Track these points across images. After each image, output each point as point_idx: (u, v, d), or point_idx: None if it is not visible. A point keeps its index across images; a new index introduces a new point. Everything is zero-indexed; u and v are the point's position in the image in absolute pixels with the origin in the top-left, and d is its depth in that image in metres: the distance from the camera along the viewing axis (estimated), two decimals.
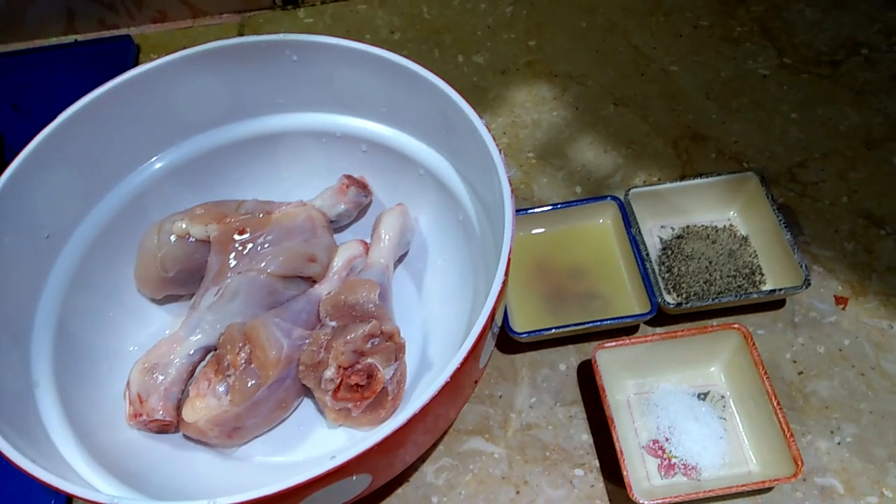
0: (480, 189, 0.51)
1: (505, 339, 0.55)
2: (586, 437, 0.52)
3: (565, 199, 0.64)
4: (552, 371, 0.55)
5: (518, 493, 0.50)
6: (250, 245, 0.52)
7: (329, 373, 0.48)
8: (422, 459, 0.51)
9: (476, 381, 0.47)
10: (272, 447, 0.50)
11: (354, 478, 0.38)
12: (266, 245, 0.52)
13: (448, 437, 0.52)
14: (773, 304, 0.57)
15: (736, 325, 0.51)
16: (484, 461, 0.51)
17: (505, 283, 0.42)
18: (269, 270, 0.51)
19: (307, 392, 0.51)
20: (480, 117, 0.47)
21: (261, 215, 0.53)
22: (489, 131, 0.46)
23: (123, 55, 0.76)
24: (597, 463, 0.51)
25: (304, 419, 0.51)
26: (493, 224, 0.49)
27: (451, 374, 0.37)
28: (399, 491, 0.50)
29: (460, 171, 0.53)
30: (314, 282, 0.54)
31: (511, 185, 0.44)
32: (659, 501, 0.45)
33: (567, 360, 0.56)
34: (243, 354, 0.48)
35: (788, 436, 0.47)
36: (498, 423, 0.53)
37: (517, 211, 0.59)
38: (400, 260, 0.58)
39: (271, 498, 0.34)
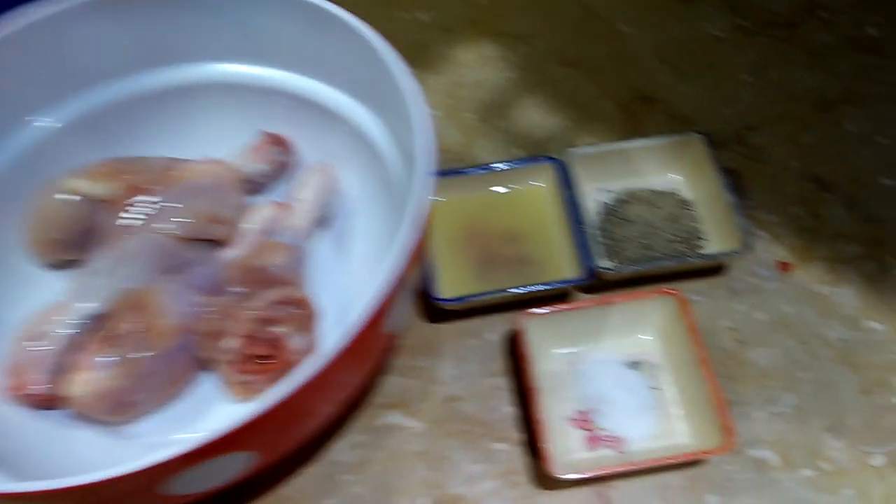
0: (408, 147, 0.48)
1: (430, 307, 0.52)
2: (510, 410, 0.49)
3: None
4: (479, 341, 0.52)
5: (435, 469, 0.47)
6: (150, 204, 0.48)
7: (230, 343, 0.45)
8: (330, 436, 0.48)
9: (388, 351, 0.44)
10: (168, 424, 0.46)
11: (232, 456, 0.35)
12: (167, 204, 0.48)
13: (362, 411, 0.49)
14: (714, 270, 0.54)
15: (669, 291, 0.48)
16: (401, 436, 0.48)
17: (420, 243, 0.39)
18: (169, 232, 0.47)
19: (209, 364, 0.47)
20: (406, 65, 0.44)
21: (163, 173, 0.49)
22: (412, 76, 0.43)
23: None
24: (520, 436, 0.48)
25: (205, 394, 0.48)
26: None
27: (340, 348, 0.34)
28: (304, 470, 0.47)
29: (387, 127, 0.50)
30: (222, 246, 0.50)
31: (433, 131, 0.41)
32: (578, 476, 0.42)
33: (496, 329, 0.53)
34: (134, 323, 0.44)
35: (720, 406, 0.44)
36: (418, 396, 0.50)
37: (450, 172, 0.56)
38: (323, 224, 0.55)
39: (116, 481, 0.30)
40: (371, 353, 0.41)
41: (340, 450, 0.48)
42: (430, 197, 0.39)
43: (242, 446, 0.35)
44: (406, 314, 0.43)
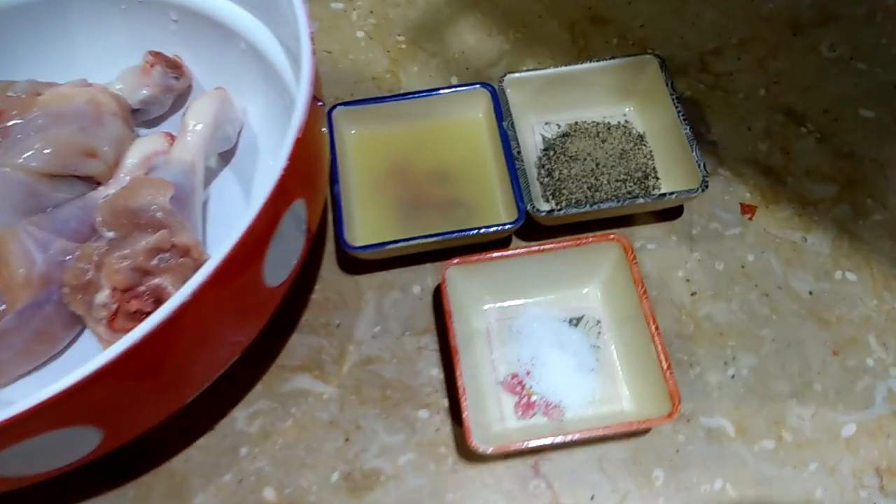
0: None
1: (345, 256, 0.46)
2: (436, 373, 0.43)
3: None
4: (403, 294, 0.46)
5: (348, 440, 0.41)
6: (7, 133, 0.40)
7: (102, 296, 0.38)
8: (229, 403, 0.42)
9: (278, 306, 0.38)
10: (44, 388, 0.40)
11: (63, 432, 0.29)
12: (29, 133, 0.41)
13: (268, 374, 0.43)
14: (670, 214, 0.48)
15: (613, 236, 0.42)
16: (310, 403, 0.42)
17: (300, 177, 0.33)
18: (27, 165, 0.40)
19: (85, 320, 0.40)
20: None
21: (27, 98, 0.42)
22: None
23: None
24: (446, 402, 0.42)
25: (87, 353, 0.41)
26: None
27: (181, 303, 0.27)
28: (201, 441, 0.41)
29: (284, 43, 0.43)
30: (99, 184, 0.43)
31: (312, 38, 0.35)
32: (499, 449, 0.37)
33: (423, 281, 0.46)
34: None
35: (665, 367, 0.38)
36: (332, 357, 0.44)
37: (369, 100, 0.49)
38: (226, 160, 0.48)
39: None
40: (249, 306, 0.35)
41: (240, 418, 0.42)
42: (303, 120, 0.33)
43: (73, 420, 0.29)
44: (294, 261, 0.37)
